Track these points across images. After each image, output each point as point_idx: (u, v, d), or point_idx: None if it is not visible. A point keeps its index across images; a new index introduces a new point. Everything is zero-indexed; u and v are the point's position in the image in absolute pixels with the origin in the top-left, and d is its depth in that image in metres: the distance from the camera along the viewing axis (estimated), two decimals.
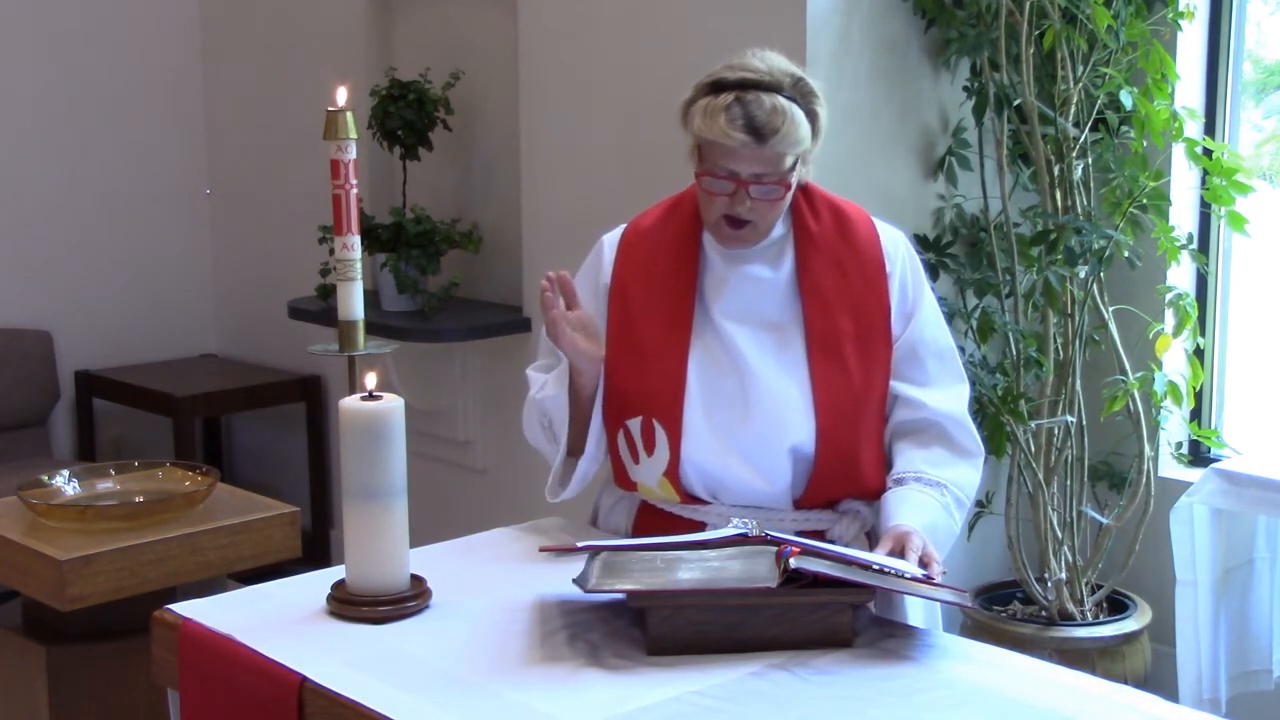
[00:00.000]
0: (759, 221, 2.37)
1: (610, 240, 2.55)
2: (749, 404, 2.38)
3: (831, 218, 2.46)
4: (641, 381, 2.41)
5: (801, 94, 2.33)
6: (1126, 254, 3.67)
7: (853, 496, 2.44)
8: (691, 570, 2.09)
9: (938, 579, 2.17)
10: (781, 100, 2.30)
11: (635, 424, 2.42)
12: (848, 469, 2.40)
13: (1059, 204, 3.69)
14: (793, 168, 2.34)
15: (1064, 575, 3.75)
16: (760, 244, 2.42)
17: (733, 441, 2.38)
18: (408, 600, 2.18)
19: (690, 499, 2.43)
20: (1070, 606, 3.74)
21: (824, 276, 2.42)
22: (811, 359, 2.39)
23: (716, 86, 2.33)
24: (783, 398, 2.38)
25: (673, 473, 2.40)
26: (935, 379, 2.46)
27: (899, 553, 2.20)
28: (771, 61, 2.35)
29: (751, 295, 2.43)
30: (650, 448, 2.41)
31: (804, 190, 2.45)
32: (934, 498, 2.36)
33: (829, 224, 2.45)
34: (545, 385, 2.47)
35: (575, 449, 2.46)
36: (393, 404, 2.16)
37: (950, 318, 3.74)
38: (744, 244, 2.40)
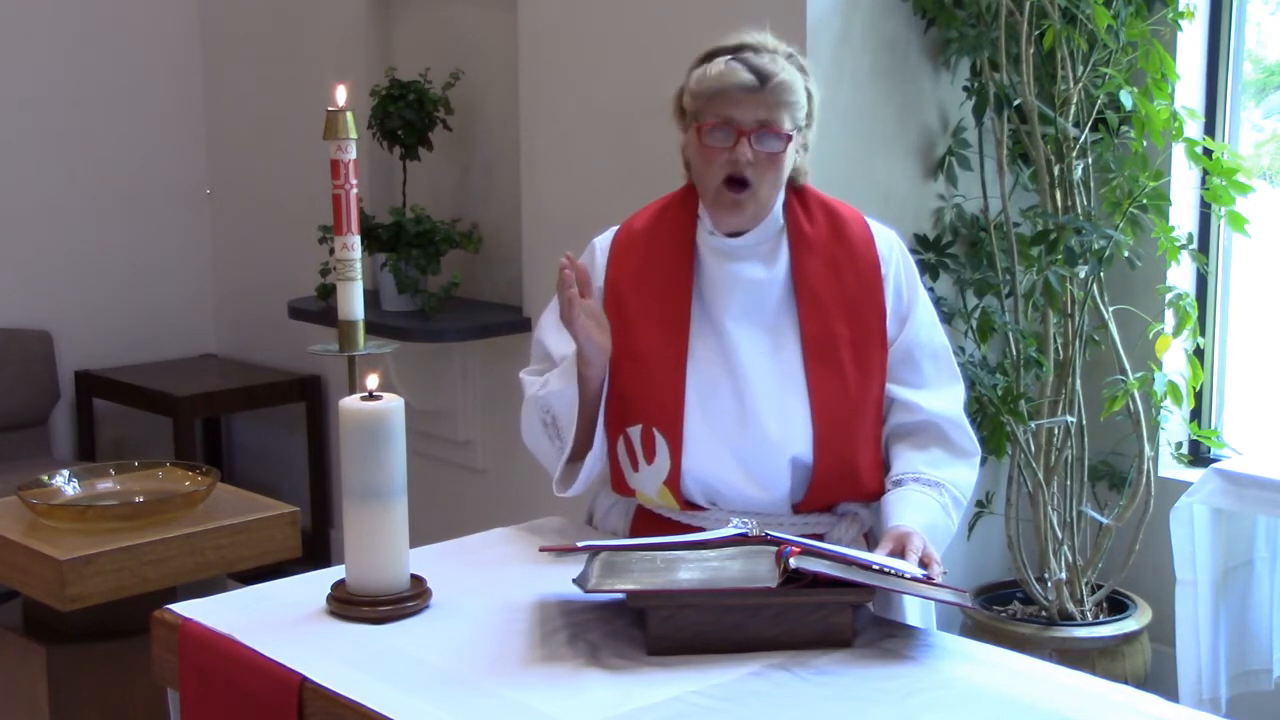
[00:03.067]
0: (757, 185, 2.35)
1: (601, 244, 2.53)
2: (746, 413, 2.37)
3: (825, 219, 2.45)
4: (641, 389, 2.40)
5: (796, 66, 2.38)
6: (1126, 254, 3.67)
7: (851, 500, 2.44)
8: (691, 570, 2.09)
9: (938, 579, 2.17)
10: (779, 58, 2.35)
11: (635, 432, 2.41)
12: (846, 475, 2.40)
13: (1059, 204, 3.69)
14: (790, 136, 2.35)
15: (1064, 575, 3.75)
16: (753, 240, 2.41)
17: (731, 451, 2.37)
18: (408, 600, 2.18)
19: (689, 506, 2.43)
20: (1070, 606, 3.74)
21: (819, 279, 2.41)
22: (808, 366, 2.38)
23: (711, 54, 2.38)
24: (780, 407, 2.36)
25: (673, 481, 2.39)
26: (931, 381, 2.45)
27: (899, 553, 2.20)
28: (766, 36, 2.40)
29: (747, 297, 2.41)
30: (650, 456, 2.40)
31: (798, 192, 2.45)
32: (933, 498, 2.36)
33: (823, 225, 2.44)
34: (547, 382, 2.44)
35: (579, 447, 2.44)
36: (393, 404, 2.16)
37: (950, 318, 3.75)
38: (742, 213, 2.38)
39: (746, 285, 2.42)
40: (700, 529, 2.37)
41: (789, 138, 2.35)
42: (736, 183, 2.35)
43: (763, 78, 2.31)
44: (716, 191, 2.37)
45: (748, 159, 2.32)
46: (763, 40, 2.38)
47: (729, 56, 2.34)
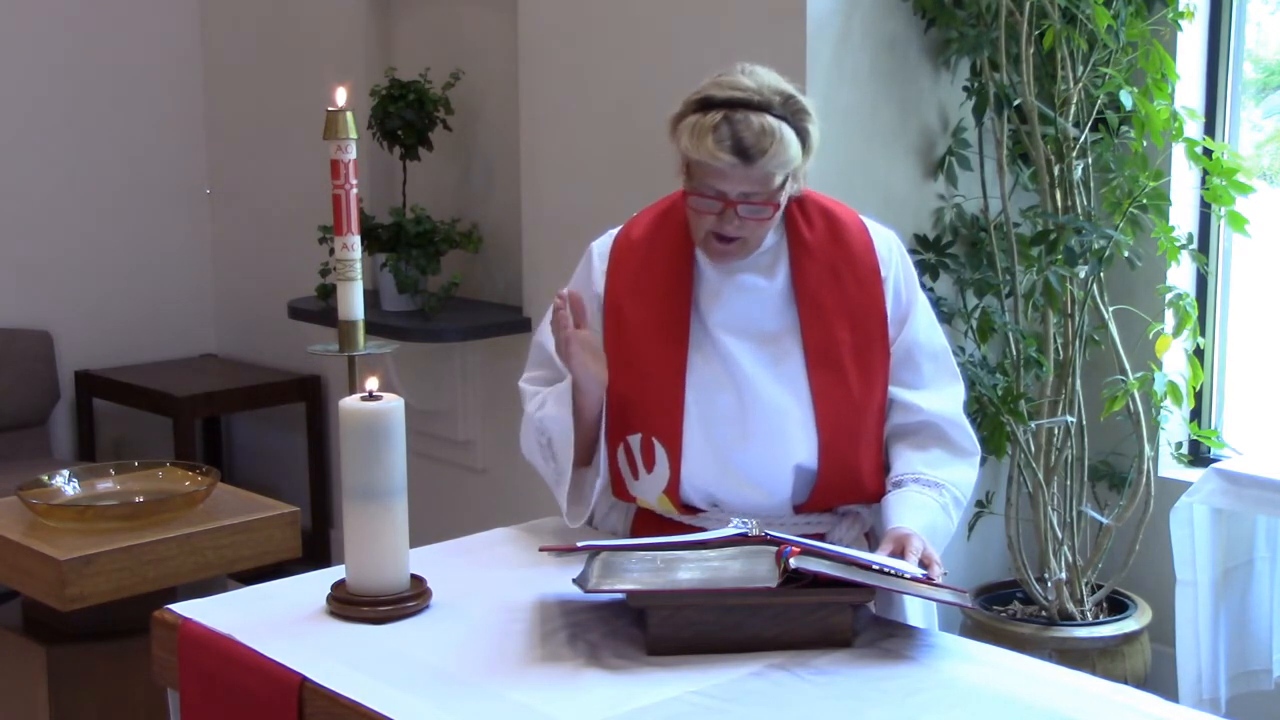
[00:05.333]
0: (748, 238, 2.35)
1: (600, 249, 2.52)
2: (748, 421, 2.36)
3: (824, 223, 2.44)
4: (640, 398, 2.40)
5: (791, 112, 2.29)
6: (1126, 254, 3.67)
7: (852, 502, 2.44)
8: (691, 570, 2.09)
9: (938, 580, 2.17)
10: (770, 120, 2.26)
11: (635, 440, 2.41)
12: (849, 479, 2.40)
13: (1059, 204, 3.69)
14: (781, 186, 2.32)
15: (1064, 575, 3.75)
16: (754, 253, 2.41)
17: (733, 459, 2.37)
18: (408, 600, 2.18)
19: (689, 510, 2.43)
20: (1070, 606, 3.74)
21: (820, 285, 2.40)
22: (810, 372, 2.37)
23: (704, 104, 2.28)
24: (783, 414, 2.36)
25: (672, 490, 2.39)
26: (930, 381, 2.45)
27: (899, 554, 2.20)
28: (761, 79, 2.30)
29: (747, 306, 2.41)
30: (650, 465, 2.40)
31: (796, 198, 2.42)
32: (933, 498, 2.36)
33: (822, 230, 2.43)
34: (545, 403, 2.44)
35: (578, 463, 2.44)
36: (393, 404, 2.16)
37: (950, 318, 3.75)
38: (732, 259, 2.38)
39: (747, 294, 2.41)
40: (701, 529, 2.37)
41: (776, 205, 2.33)
42: (724, 239, 2.35)
43: (749, 157, 2.25)
44: (705, 239, 2.37)
45: (734, 225, 2.32)
46: (757, 85, 2.28)
47: (720, 116, 2.25)
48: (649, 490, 2.42)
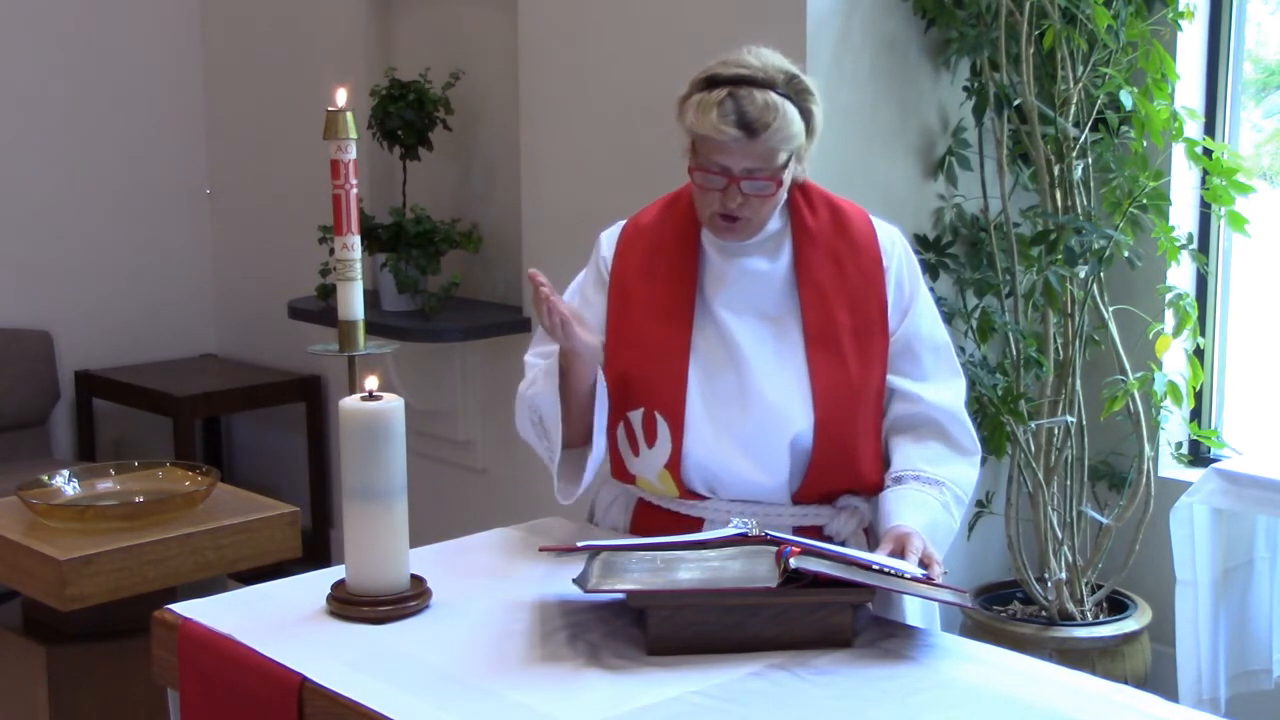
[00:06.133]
0: (752, 216, 2.38)
1: (608, 237, 2.57)
2: (747, 398, 2.39)
3: (829, 214, 2.48)
4: (643, 374, 2.42)
5: (795, 91, 2.34)
6: (1126, 254, 3.67)
7: (850, 491, 2.44)
8: (691, 570, 2.09)
9: (938, 580, 2.17)
10: (774, 96, 2.31)
11: (636, 416, 2.43)
12: (845, 462, 2.41)
13: (1059, 204, 3.69)
14: (785, 164, 2.35)
15: (1064, 575, 3.75)
16: (757, 238, 2.43)
17: (732, 435, 2.39)
18: (408, 600, 2.18)
19: (689, 494, 2.43)
20: (1070, 606, 3.74)
21: (821, 270, 2.43)
22: (809, 351, 2.40)
23: (710, 82, 2.34)
24: (781, 391, 2.38)
25: (674, 465, 2.41)
26: (931, 373, 2.47)
27: (899, 554, 2.20)
28: (766, 58, 2.36)
29: (750, 288, 2.44)
30: (651, 439, 2.42)
31: (801, 187, 2.47)
32: (933, 496, 2.37)
33: (826, 220, 2.47)
34: (535, 380, 2.47)
35: (571, 442, 2.45)
36: (393, 404, 2.16)
37: (950, 318, 3.75)
38: (738, 236, 2.41)
39: (750, 277, 2.44)
40: (700, 520, 2.39)
41: (780, 182, 2.36)
42: (729, 216, 2.38)
43: (752, 131, 2.29)
44: (710, 218, 2.40)
45: (738, 202, 2.35)
46: (762, 63, 2.34)
47: (725, 93, 2.31)
48: (650, 466, 2.43)
